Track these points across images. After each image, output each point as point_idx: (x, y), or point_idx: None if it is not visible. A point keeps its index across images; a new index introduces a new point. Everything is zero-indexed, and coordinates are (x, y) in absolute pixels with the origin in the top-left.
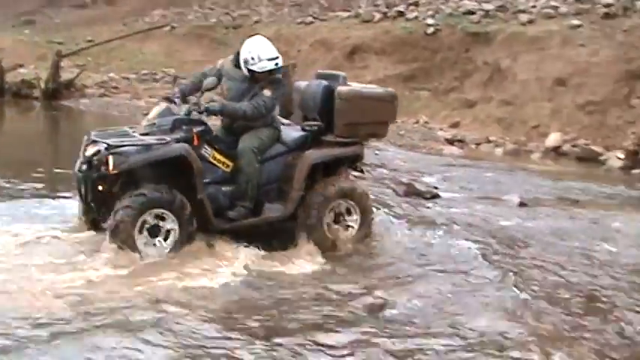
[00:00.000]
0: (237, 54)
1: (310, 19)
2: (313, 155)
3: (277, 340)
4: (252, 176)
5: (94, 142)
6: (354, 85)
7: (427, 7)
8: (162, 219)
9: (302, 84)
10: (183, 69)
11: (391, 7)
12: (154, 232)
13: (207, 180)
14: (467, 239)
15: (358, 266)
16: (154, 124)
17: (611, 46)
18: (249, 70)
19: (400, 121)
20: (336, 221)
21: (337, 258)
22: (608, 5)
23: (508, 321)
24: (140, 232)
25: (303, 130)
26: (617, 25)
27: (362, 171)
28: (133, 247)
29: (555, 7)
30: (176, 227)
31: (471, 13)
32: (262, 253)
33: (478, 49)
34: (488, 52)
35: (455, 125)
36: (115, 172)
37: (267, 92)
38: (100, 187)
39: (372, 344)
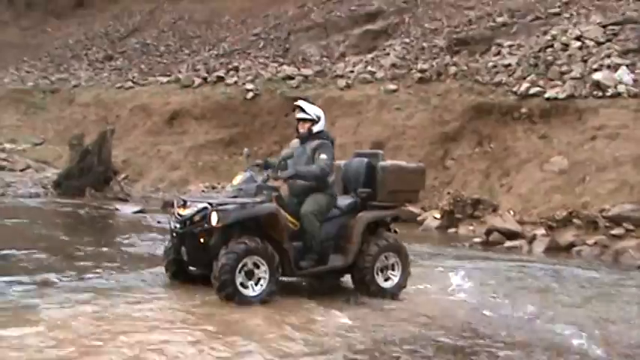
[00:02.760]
0: None
1: (130, 83)
2: (367, 216)
3: None
4: (315, 234)
5: (185, 203)
6: (393, 161)
7: (247, 72)
8: (257, 267)
9: (341, 162)
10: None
11: (211, 72)
12: (249, 275)
13: None
14: None
15: None
16: (241, 189)
17: (426, 110)
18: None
19: (217, 184)
20: (381, 271)
21: None
22: (422, 70)
23: None
24: (239, 271)
25: (354, 196)
26: (431, 89)
27: (395, 231)
28: (234, 288)
29: (372, 73)
30: (266, 276)
31: (290, 78)
32: None
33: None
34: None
35: None
36: (219, 225)
37: (323, 156)
38: (202, 240)
39: None
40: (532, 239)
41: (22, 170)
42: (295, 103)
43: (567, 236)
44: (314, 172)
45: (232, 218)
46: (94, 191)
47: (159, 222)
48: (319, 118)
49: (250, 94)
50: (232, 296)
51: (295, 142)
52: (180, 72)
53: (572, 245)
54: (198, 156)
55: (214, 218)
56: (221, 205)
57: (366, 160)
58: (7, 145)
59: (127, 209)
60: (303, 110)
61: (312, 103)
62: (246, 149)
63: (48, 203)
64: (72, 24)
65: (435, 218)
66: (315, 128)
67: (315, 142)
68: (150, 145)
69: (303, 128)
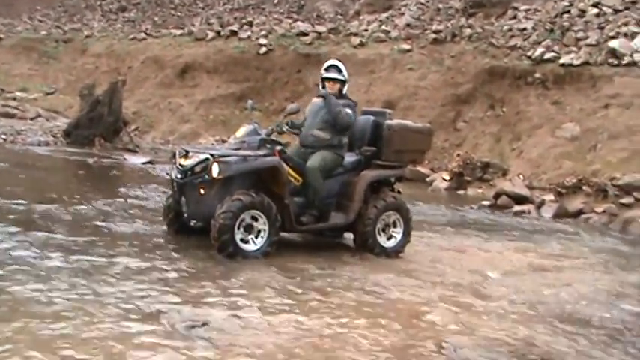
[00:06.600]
0: None
1: (143, 35)
2: (370, 174)
3: None
4: (318, 190)
5: (187, 153)
6: (399, 121)
7: (261, 27)
8: (255, 220)
9: None
10: (11, 82)
11: (225, 26)
12: (248, 230)
13: None
14: None
15: None
16: (244, 141)
17: (439, 71)
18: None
19: (227, 138)
20: (383, 231)
21: None
22: (437, 31)
23: None
24: (238, 228)
25: (359, 154)
26: (445, 50)
27: (399, 192)
28: (235, 246)
29: (386, 32)
30: (266, 228)
31: (304, 34)
32: None
33: (309, 70)
34: (319, 74)
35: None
36: (219, 177)
37: (349, 111)
38: (202, 191)
39: None
40: (540, 204)
41: (32, 119)
42: (330, 62)
43: (576, 203)
44: (341, 109)
45: (233, 171)
46: (103, 141)
47: (167, 174)
48: (347, 81)
49: (263, 50)
50: (234, 255)
51: (316, 99)
52: (193, 25)
53: (580, 212)
54: (209, 109)
55: (215, 170)
56: (223, 157)
57: (372, 118)
58: (19, 94)
59: (135, 160)
60: (339, 70)
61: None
62: (250, 100)
63: (57, 152)
64: None
65: (444, 180)
66: (344, 90)
67: (342, 101)
68: (161, 98)
69: (332, 88)
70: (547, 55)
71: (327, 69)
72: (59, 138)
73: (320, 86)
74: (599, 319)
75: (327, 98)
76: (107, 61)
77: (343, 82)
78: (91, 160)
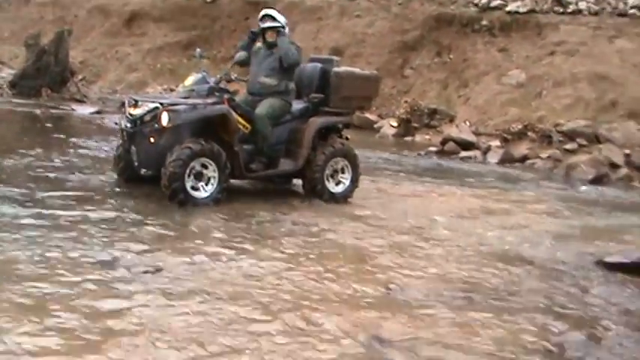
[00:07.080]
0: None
1: None
2: (318, 121)
3: None
4: (267, 136)
5: (136, 102)
6: (346, 68)
7: None
8: (205, 167)
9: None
10: None
11: None
12: (198, 177)
13: None
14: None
15: None
16: (192, 90)
17: (387, 18)
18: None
19: (174, 87)
20: (332, 177)
21: None
22: None
23: None
24: (188, 176)
25: (307, 101)
26: None
27: (347, 138)
28: (185, 194)
29: None
30: (216, 175)
31: None
32: None
33: (257, 18)
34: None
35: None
36: (169, 126)
37: (295, 51)
38: (152, 140)
39: None
40: (487, 150)
41: None
42: (263, 12)
43: (521, 149)
44: (293, 51)
45: (183, 119)
46: (50, 92)
47: (116, 123)
48: (285, 25)
49: None
50: (185, 202)
51: (260, 44)
52: None
53: (525, 158)
54: (156, 58)
55: (165, 118)
56: (172, 105)
57: (319, 65)
58: None
59: (83, 110)
60: (273, 18)
61: (278, 11)
62: (198, 49)
63: (3, 103)
64: None
65: (392, 126)
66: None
67: (288, 40)
68: (108, 47)
69: (272, 37)
70: (494, 3)
71: (261, 20)
72: (5, 89)
73: (261, 39)
74: (542, 260)
75: (281, 35)
76: (52, 10)
77: (282, 28)
78: (38, 111)
